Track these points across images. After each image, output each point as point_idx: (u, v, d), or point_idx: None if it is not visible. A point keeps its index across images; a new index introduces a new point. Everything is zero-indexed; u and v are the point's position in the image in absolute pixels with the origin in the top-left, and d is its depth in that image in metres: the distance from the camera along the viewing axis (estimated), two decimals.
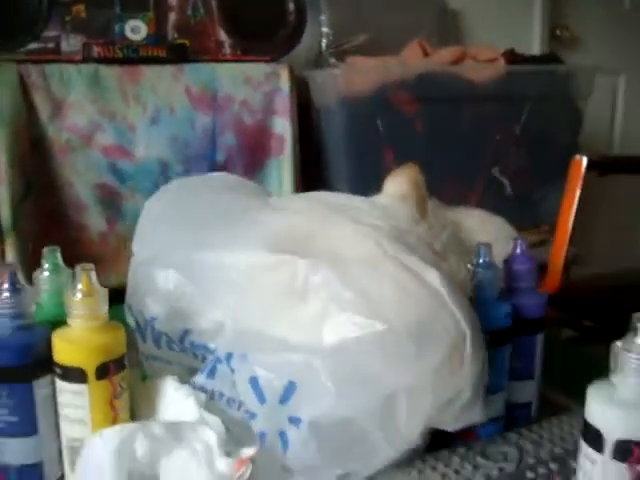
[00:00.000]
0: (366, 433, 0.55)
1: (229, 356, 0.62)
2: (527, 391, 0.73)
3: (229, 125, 1.68)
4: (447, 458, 0.62)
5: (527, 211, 1.86)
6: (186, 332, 0.66)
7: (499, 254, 0.76)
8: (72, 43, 1.60)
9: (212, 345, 0.64)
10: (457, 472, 0.60)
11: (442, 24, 2.27)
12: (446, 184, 1.69)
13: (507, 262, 0.73)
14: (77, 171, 1.63)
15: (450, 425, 0.59)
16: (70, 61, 1.58)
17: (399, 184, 0.74)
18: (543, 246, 1.78)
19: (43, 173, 1.61)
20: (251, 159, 1.70)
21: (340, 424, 0.55)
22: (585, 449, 0.48)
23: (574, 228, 1.57)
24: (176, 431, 0.54)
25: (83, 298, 0.56)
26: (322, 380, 0.56)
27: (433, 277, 0.59)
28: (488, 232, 0.83)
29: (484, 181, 1.87)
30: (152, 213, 0.82)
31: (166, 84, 1.63)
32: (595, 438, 0.47)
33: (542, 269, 1.57)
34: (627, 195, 2.56)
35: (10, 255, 1.56)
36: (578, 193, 1.57)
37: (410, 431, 0.56)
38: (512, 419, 0.72)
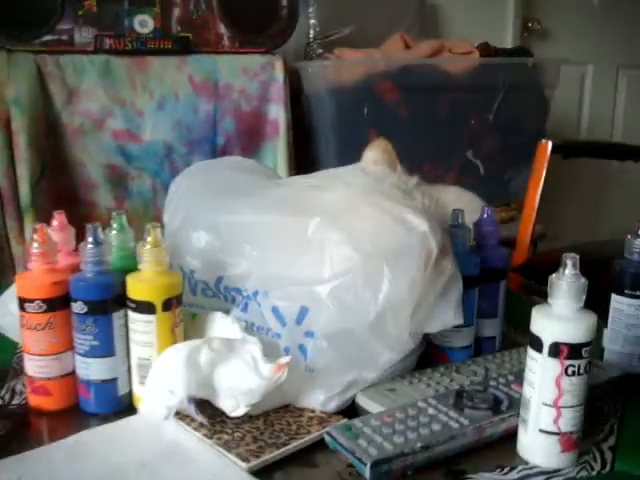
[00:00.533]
0: (365, 340, 0.71)
1: (255, 294, 0.78)
2: (492, 327, 0.90)
3: (228, 111, 1.83)
4: (430, 373, 0.79)
5: (498, 190, 2.01)
6: (220, 279, 0.82)
7: (471, 221, 0.94)
8: (84, 35, 1.74)
9: (241, 287, 0.81)
10: (438, 383, 0.77)
11: (421, 17, 2.39)
12: (426, 165, 1.86)
13: (476, 224, 0.90)
14: (88, 153, 1.78)
15: (430, 327, 0.75)
16: (83, 52, 1.73)
17: (372, 152, 0.93)
18: (512, 222, 1.95)
19: (57, 155, 1.76)
20: (248, 142, 1.85)
21: (343, 334, 0.72)
22: (530, 352, 0.65)
23: (540, 206, 1.74)
24: (230, 345, 0.70)
25: (151, 248, 0.73)
26: (325, 303, 0.73)
27: (402, 211, 0.75)
28: (462, 204, 0.96)
29: (459, 163, 2.02)
30: (178, 190, 0.94)
31: (171, 73, 1.78)
32: (537, 343, 0.64)
33: (511, 244, 1.74)
34: (590, 177, 2.74)
35: (28, 231, 1.70)
36: (544, 174, 1.72)
37: (399, 334, 0.72)
38: (480, 349, 0.89)
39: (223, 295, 0.83)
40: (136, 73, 1.76)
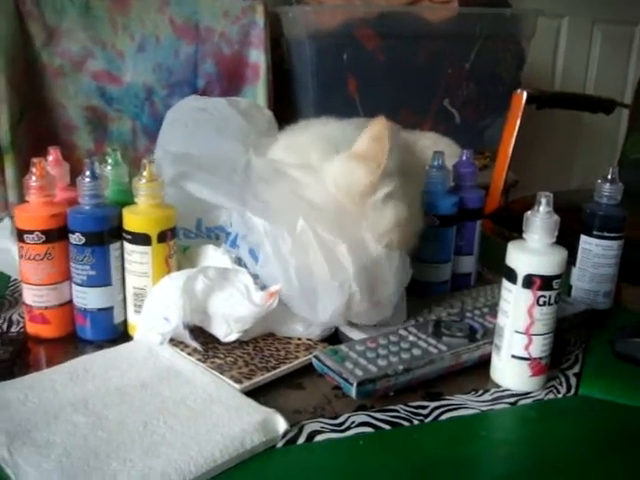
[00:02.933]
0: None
1: (236, 237, 0.82)
2: (468, 264, 0.95)
3: (209, 54, 1.83)
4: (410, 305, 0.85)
5: (473, 139, 2.05)
6: (199, 221, 0.86)
7: (448, 165, 0.97)
8: None
9: (223, 224, 0.84)
10: (417, 314, 0.82)
11: None
12: (403, 112, 1.89)
13: (455, 166, 0.94)
14: (68, 94, 1.78)
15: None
16: None
17: (363, 144, 0.81)
18: (486, 170, 1.99)
19: (37, 96, 1.75)
20: (229, 86, 1.86)
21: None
22: (505, 283, 0.70)
23: (513, 155, 1.78)
24: (224, 274, 0.74)
25: (147, 182, 0.76)
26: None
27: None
28: (439, 149, 1.00)
29: (436, 111, 2.05)
30: (171, 124, 0.97)
31: (152, 15, 1.77)
32: (511, 275, 0.69)
33: (484, 191, 1.78)
34: (562, 128, 2.79)
35: (8, 171, 1.71)
36: (518, 124, 1.76)
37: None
38: (456, 285, 0.94)
39: (206, 235, 0.87)
40: (117, 14, 1.76)
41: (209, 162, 0.88)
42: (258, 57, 1.85)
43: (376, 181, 0.75)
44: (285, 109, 1.90)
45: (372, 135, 0.78)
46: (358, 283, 0.72)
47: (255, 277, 0.79)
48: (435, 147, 0.98)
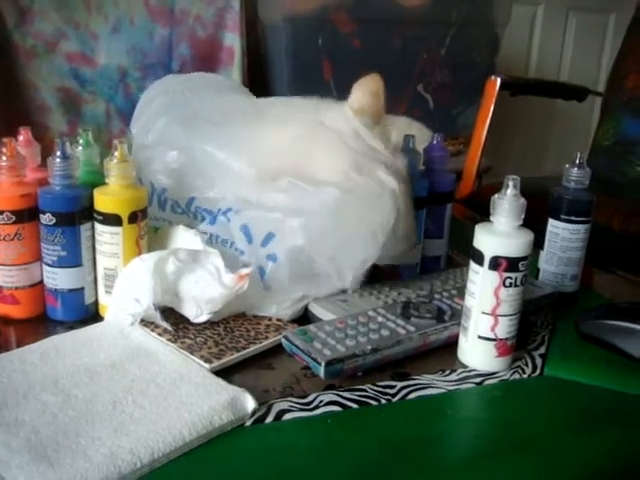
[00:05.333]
0: (322, 270, 0.77)
1: (228, 210, 0.82)
2: (438, 247, 0.96)
3: (184, 37, 1.83)
4: (379, 287, 0.84)
5: (446, 124, 2.06)
6: (191, 199, 0.85)
7: (420, 149, 0.98)
8: None
9: (213, 208, 0.84)
10: (386, 296, 0.82)
11: None
12: None
13: (426, 150, 0.95)
14: (41, 75, 1.76)
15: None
16: None
17: (361, 95, 0.87)
18: (459, 155, 2.01)
19: (9, 76, 1.74)
20: (203, 69, 1.84)
21: (303, 262, 0.76)
22: (472, 265, 0.71)
23: (487, 141, 1.80)
24: (195, 256, 0.74)
25: (118, 163, 0.75)
26: (294, 232, 0.78)
27: (376, 169, 0.80)
28: (411, 133, 1.01)
29: (410, 96, 2.06)
30: (152, 103, 0.94)
31: None
32: (478, 256, 0.70)
33: (458, 176, 1.80)
34: (536, 115, 2.81)
35: None
36: (491, 110, 1.78)
37: (355, 270, 0.77)
38: (426, 267, 0.95)
39: (193, 214, 0.87)
40: None
41: (220, 115, 0.89)
42: (233, 40, 1.85)
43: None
44: (260, 93, 1.89)
45: (370, 91, 0.79)
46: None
47: (241, 253, 0.80)
48: (406, 131, 0.98)
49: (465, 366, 0.74)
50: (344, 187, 0.77)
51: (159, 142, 0.87)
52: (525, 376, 0.73)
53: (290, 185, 0.79)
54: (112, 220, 0.76)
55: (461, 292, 0.78)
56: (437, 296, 0.81)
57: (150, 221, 0.82)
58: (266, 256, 0.79)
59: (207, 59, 1.86)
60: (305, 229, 0.77)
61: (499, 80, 1.76)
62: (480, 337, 0.72)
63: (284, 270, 0.78)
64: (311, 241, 0.77)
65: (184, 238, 0.79)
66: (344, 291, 0.81)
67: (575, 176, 0.88)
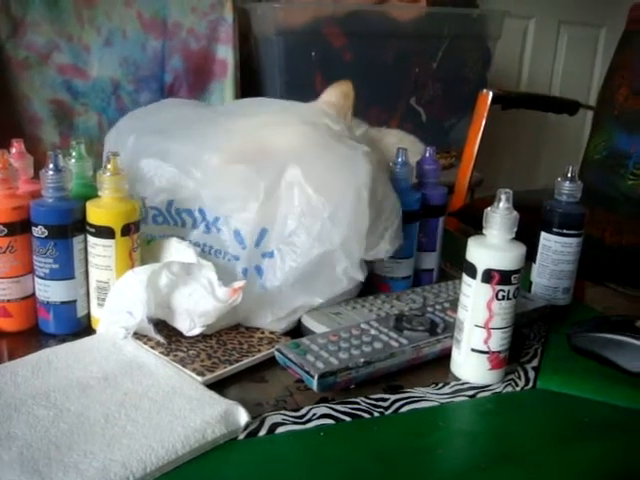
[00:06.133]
0: (318, 263, 0.76)
1: (216, 220, 0.82)
2: (430, 260, 0.96)
3: (177, 50, 1.83)
4: (372, 300, 0.85)
5: (439, 137, 2.07)
6: (170, 202, 0.85)
7: (412, 162, 0.99)
8: None
9: (192, 208, 0.84)
10: (379, 308, 0.83)
11: None
12: (370, 110, 1.90)
13: (419, 163, 0.96)
14: (34, 87, 1.76)
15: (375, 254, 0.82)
16: None
17: (332, 94, 0.94)
18: (451, 169, 2.02)
19: (1, 88, 1.74)
20: (196, 81, 1.86)
21: (297, 254, 0.77)
22: (465, 278, 0.71)
23: (478, 154, 1.81)
24: (188, 269, 0.74)
25: (111, 176, 0.75)
26: (286, 223, 0.78)
27: (354, 154, 0.80)
28: (404, 147, 1.01)
29: (402, 109, 2.07)
30: (121, 133, 0.93)
31: (119, 9, 1.77)
32: (471, 269, 0.70)
33: (450, 189, 1.80)
34: (527, 128, 2.83)
35: None
36: (483, 123, 1.79)
37: (353, 259, 0.78)
38: (419, 280, 0.95)
39: (173, 220, 0.86)
40: (83, 7, 1.75)
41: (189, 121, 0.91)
42: (226, 53, 1.86)
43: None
44: None
45: (342, 91, 0.83)
46: None
47: (235, 259, 0.80)
48: (400, 144, 0.99)
49: (458, 379, 0.74)
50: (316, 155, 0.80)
51: (132, 158, 0.86)
52: (518, 389, 0.73)
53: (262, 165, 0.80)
54: (105, 233, 0.76)
55: (454, 305, 0.78)
56: (430, 309, 0.82)
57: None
58: (261, 254, 0.80)
59: (200, 72, 1.86)
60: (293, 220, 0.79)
61: (491, 94, 1.78)
62: (473, 350, 0.72)
63: (279, 266, 0.78)
64: (301, 220, 0.78)
65: (177, 250, 0.79)
66: (340, 303, 0.81)
67: (567, 189, 0.88)
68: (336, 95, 0.89)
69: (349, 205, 0.77)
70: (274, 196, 0.79)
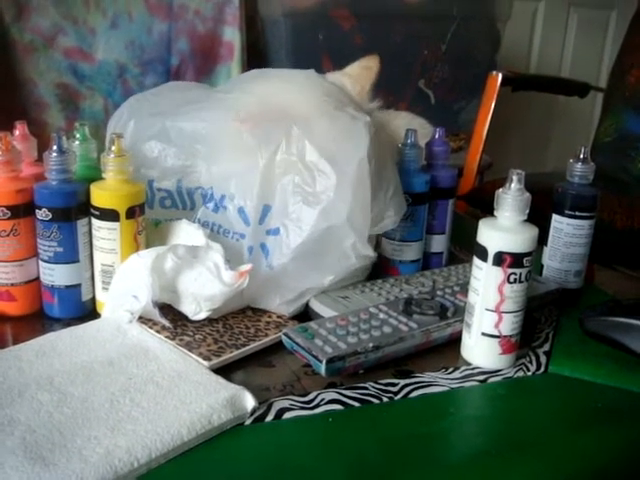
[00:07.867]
0: (325, 240, 0.75)
1: (222, 198, 0.81)
2: (440, 243, 0.95)
3: (183, 32, 1.80)
4: (381, 284, 0.84)
5: (448, 120, 2.04)
6: (179, 181, 0.85)
7: (422, 144, 0.97)
8: None
9: (204, 185, 0.83)
10: (388, 292, 0.81)
11: None
12: (379, 92, 1.88)
13: (428, 144, 0.94)
14: (39, 71, 1.74)
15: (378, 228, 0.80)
16: None
17: (355, 66, 0.98)
18: (460, 152, 2.00)
19: (7, 72, 1.73)
20: (203, 64, 1.84)
21: (302, 230, 0.75)
22: (476, 261, 0.70)
23: (488, 137, 1.79)
24: (194, 252, 0.73)
25: (115, 157, 0.74)
26: (288, 199, 0.77)
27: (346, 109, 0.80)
28: (413, 128, 1.00)
29: (411, 92, 2.05)
30: (120, 118, 0.93)
31: None
32: (482, 252, 0.69)
33: (459, 172, 1.79)
34: (537, 111, 2.80)
35: None
36: (493, 106, 1.77)
37: (359, 234, 0.75)
38: (428, 264, 0.94)
39: (182, 202, 0.85)
40: None
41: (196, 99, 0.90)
42: (233, 35, 1.83)
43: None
44: None
45: (364, 64, 0.82)
46: None
47: (242, 237, 0.79)
48: (409, 126, 0.97)
49: (468, 363, 0.73)
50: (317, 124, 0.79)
51: (134, 141, 0.85)
52: (529, 374, 0.72)
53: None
54: (109, 215, 0.75)
55: (464, 288, 0.77)
56: (439, 293, 0.80)
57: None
58: (266, 232, 0.79)
59: (206, 54, 1.84)
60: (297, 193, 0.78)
61: (500, 76, 1.76)
62: (484, 334, 0.70)
63: (284, 242, 0.77)
64: (303, 194, 0.77)
65: (187, 232, 0.78)
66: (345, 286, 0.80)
67: (579, 171, 0.87)
68: (358, 67, 0.90)
69: (352, 177, 0.76)
70: (275, 171, 0.78)
